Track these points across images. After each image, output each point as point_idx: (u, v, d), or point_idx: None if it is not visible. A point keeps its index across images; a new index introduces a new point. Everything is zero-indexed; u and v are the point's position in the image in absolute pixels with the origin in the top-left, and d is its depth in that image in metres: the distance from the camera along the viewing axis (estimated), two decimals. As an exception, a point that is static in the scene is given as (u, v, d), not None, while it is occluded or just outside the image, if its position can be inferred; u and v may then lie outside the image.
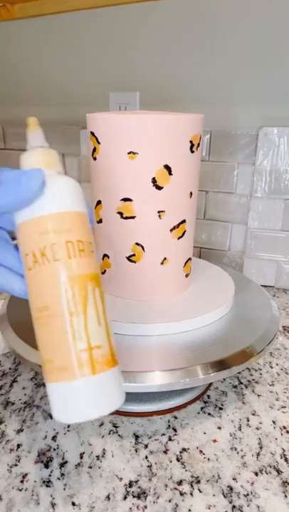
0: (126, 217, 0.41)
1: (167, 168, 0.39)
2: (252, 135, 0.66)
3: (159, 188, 0.40)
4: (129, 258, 0.42)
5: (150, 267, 0.42)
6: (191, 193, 0.42)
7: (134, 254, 0.42)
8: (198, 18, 0.67)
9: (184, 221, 0.42)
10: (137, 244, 0.41)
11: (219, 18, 0.66)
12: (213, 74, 0.69)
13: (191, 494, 0.33)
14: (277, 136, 0.63)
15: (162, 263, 0.43)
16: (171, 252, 0.43)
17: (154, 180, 0.39)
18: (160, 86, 0.73)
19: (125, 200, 0.40)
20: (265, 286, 0.69)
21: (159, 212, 0.41)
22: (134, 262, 0.42)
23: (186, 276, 0.46)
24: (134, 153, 0.38)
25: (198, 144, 0.41)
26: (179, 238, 0.43)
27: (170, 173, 0.40)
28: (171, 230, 0.42)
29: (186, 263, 0.45)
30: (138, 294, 0.44)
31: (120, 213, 0.41)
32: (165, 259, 0.43)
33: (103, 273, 0.45)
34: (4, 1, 0.76)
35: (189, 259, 0.46)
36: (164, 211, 0.41)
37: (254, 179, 0.66)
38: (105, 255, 0.44)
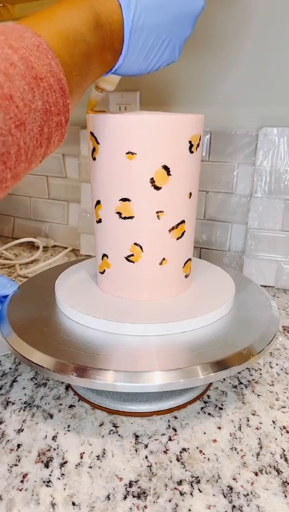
0: (124, 218, 0.41)
1: (166, 168, 0.39)
2: (252, 135, 0.66)
3: (157, 188, 0.40)
4: (128, 258, 0.42)
5: (149, 267, 0.43)
6: (190, 194, 0.42)
7: (132, 255, 0.42)
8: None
9: (183, 221, 0.42)
10: (136, 244, 0.42)
11: (220, 17, 0.66)
12: (214, 74, 0.69)
13: (191, 494, 0.33)
14: (277, 137, 0.63)
15: (161, 263, 0.43)
16: (170, 252, 0.43)
17: (152, 181, 0.39)
18: (160, 86, 0.73)
19: (124, 200, 0.40)
20: (265, 286, 0.69)
21: (157, 212, 0.41)
22: (133, 262, 0.42)
23: (186, 277, 0.46)
24: (132, 153, 0.39)
25: (198, 145, 0.41)
26: (178, 239, 0.43)
27: (169, 174, 0.40)
28: (170, 231, 0.42)
29: (185, 264, 0.45)
30: (137, 294, 0.44)
31: (119, 213, 0.41)
32: (164, 259, 0.43)
33: (102, 273, 0.45)
34: (4, 1, 0.76)
35: (189, 259, 0.46)
36: (162, 211, 0.41)
37: (254, 179, 0.66)
38: (104, 255, 0.44)
